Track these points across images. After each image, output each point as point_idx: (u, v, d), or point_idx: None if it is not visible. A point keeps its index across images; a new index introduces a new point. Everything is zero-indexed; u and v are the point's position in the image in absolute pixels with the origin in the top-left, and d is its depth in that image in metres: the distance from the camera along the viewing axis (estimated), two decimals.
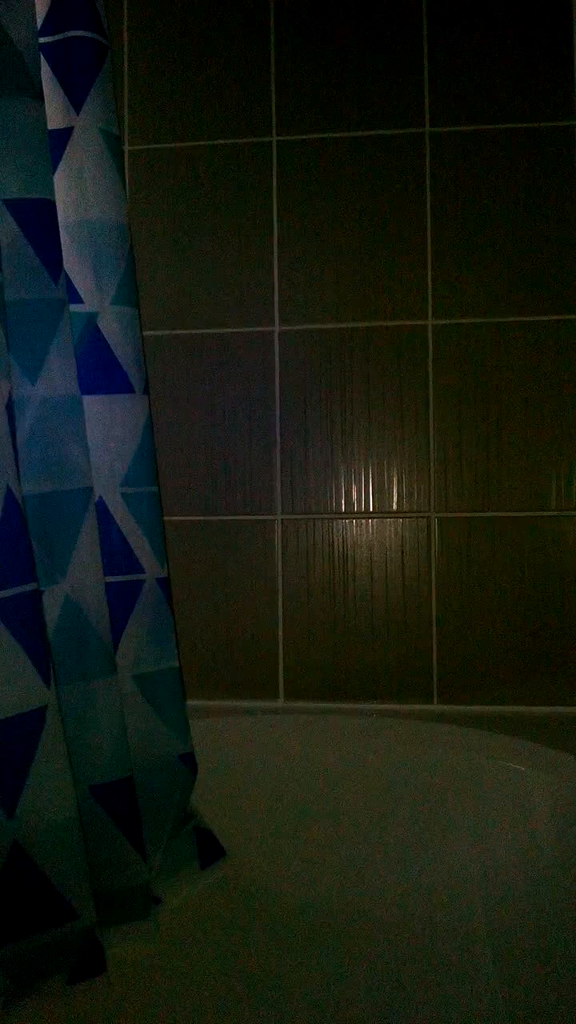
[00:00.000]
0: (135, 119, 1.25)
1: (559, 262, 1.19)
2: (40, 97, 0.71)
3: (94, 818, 0.73)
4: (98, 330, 0.81)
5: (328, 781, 1.02)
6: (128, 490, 0.82)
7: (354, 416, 1.21)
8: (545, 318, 1.19)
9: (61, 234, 0.80)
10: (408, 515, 1.21)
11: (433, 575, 1.20)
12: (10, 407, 0.65)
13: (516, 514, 1.19)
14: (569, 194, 1.19)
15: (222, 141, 1.24)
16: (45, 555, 0.72)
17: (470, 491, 1.20)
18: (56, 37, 0.81)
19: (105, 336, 0.82)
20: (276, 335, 1.23)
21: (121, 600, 0.81)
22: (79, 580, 0.73)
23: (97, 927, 0.67)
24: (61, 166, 0.81)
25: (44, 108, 0.72)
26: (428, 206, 1.21)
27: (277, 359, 1.23)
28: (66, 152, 0.81)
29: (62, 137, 0.81)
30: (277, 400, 1.23)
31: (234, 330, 1.24)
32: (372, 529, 1.21)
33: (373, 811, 0.99)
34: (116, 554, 0.81)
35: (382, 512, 1.21)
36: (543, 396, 1.19)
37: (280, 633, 1.22)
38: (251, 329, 1.23)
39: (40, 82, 0.71)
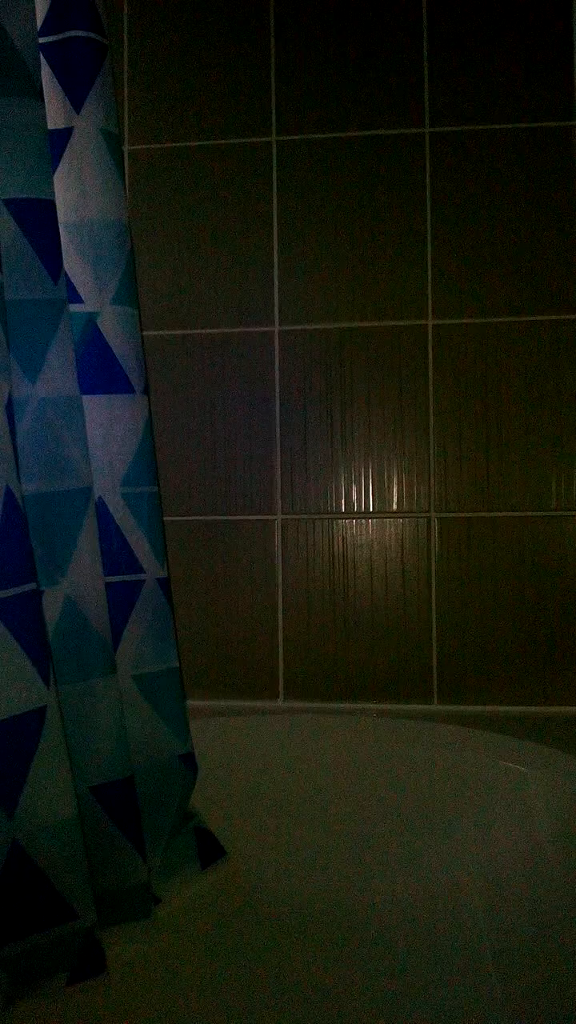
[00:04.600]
0: (135, 119, 1.25)
1: (558, 262, 1.19)
2: (40, 97, 0.71)
3: (94, 818, 0.73)
4: (98, 330, 0.81)
5: (328, 781, 1.02)
6: (128, 490, 0.82)
7: (354, 416, 1.21)
8: (545, 318, 1.19)
9: (61, 234, 0.80)
10: (408, 515, 1.21)
11: (433, 575, 1.20)
12: (10, 407, 0.65)
13: (516, 514, 1.19)
14: (569, 194, 1.19)
15: (222, 141, 1.24)
16: (45, 555, 0.72)
17: (470, 491, 1.20)
18: (56, 37, 0.81)
19: (105, 336, 0.82)
20: (276, 335, 1.23)
21: (121, 600, 0.81)
22: (79, 580, 0.73)
23: (97, 927, 0.67)
24: (61, 166, 0.81)
25: (44, 108, 0.71)
26: (428, 206, 1.21)
27: (277, 359, 1.23)
28: (66, 152, 0.81)
29: (62, 137, 0.81)
30: (277, 400, 1.23)
31: (234, 330, 1.24)
32: (372, 529, 1.21)
33: (373, 811, 0.99)
34: (116, 554, 0.81)
35: (382, 512, 1.21)
36: (543, 396, 1.19)
37: (280, 633, 1.22)
38: (251, 329, 1.23)
39: (40, 82, 0.71)
